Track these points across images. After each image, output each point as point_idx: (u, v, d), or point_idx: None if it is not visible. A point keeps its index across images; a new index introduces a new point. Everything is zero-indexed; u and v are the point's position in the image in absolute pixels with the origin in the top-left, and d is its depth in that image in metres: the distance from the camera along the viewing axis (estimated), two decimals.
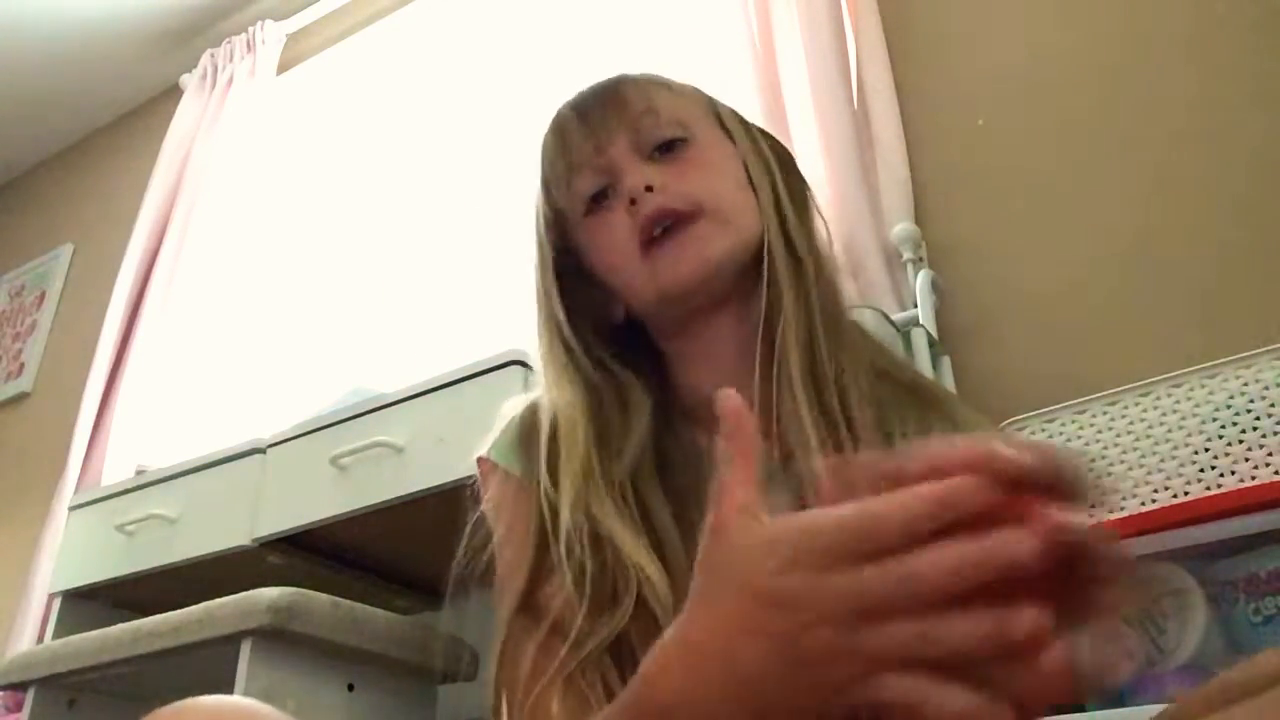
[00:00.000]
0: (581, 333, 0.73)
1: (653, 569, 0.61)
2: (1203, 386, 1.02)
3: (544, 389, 0.73)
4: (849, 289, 0.78)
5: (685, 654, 0.42)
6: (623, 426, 0.69)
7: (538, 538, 0.66)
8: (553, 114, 0.77)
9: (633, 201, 0.69)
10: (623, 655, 0.60)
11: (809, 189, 0.77)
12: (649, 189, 0.68)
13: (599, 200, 0.72)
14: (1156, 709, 0.88)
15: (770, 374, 0.68)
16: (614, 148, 0.71)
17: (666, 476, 0.68)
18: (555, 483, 0.67)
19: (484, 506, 0.72)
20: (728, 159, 0.73)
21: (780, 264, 0.69)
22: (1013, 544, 0.36)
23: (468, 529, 0.71)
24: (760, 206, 0.71)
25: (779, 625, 0.38)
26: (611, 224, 0.71)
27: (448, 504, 0.75)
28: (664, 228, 0.69)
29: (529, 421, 0.72)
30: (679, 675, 0.42)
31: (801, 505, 0.66)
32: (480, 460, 0.74)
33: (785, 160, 0.77)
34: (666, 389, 0.73)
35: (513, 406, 0.75)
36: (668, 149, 0.71)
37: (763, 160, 0.74)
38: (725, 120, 0.76)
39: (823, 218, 0.76)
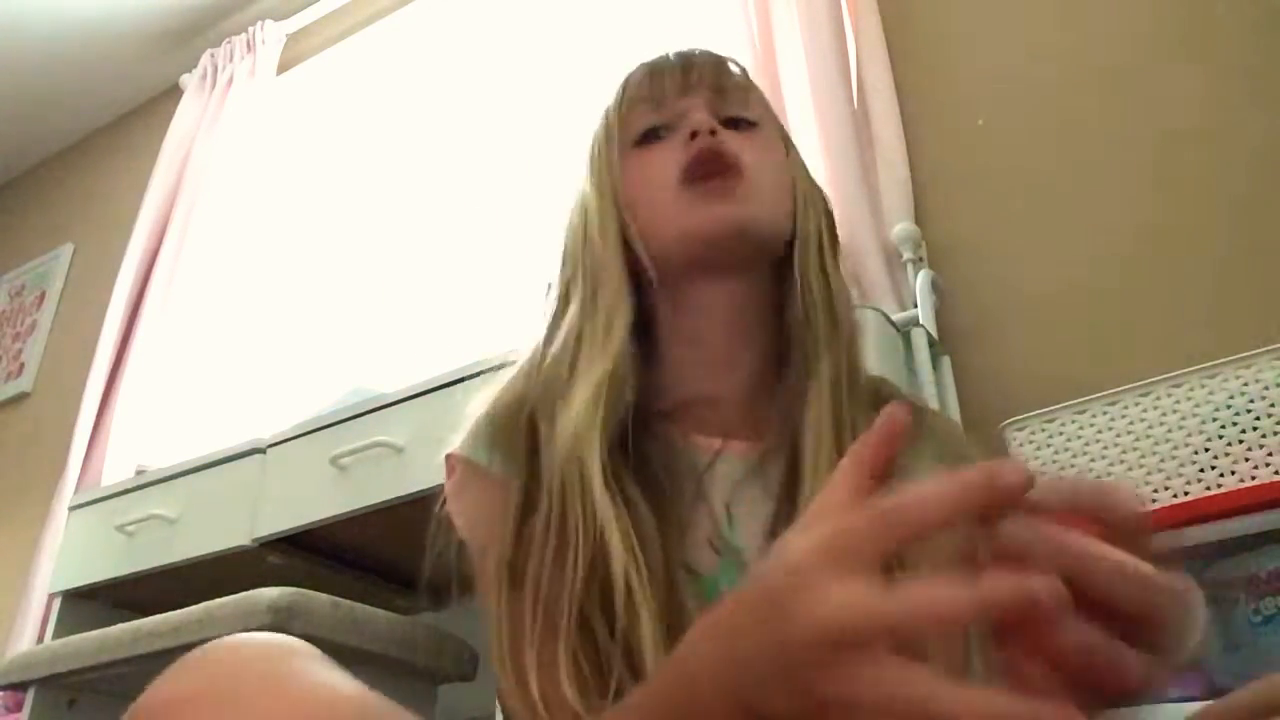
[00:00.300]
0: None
1: (616, 540, 0.61)
2: (1203, 386, 1.02)
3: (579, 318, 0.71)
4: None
5: (708, 625, 0.42)
6: (622, 392, 0.68)
7: (518, 511, 0.65)
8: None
9: (694, 135, 0.70)
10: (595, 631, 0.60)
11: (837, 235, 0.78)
12: (714, 132, 0.70)
13: (655, 136, 0.73)
14: (1156, 709, 0.88)
15: (785, 370, 0.69)
16: (695, 97, 0.73)
17: (641, 470, 0.68)
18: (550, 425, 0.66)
19: (455, 504, 0.71)
20: (783, 164, 0.75)
21: (812, 274, 0.71)
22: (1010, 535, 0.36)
23: (431, 531, 0.71)
24: (798, 212, 0.73)
25: (771, 598, 0.37)
26: (659, 157, 0.72)
27: None
28: (710, 172, 0.70)
29: (510, 406, 0.71)
30: (702, 645, 0.42)
31: (782, 505, 0.67)
32: (449, 457, 0.73)
33: (826, 202, 0.78)
34: (646, 389, 0.72)
35: (478, 405, 0.75)
36: (736, 125, 0.73)
37: (808, 183, 0.76)
38: (788, 142, 0.78)
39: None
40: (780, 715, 0.37)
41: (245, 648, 0.49)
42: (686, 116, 0.72)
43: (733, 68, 0.77)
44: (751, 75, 0.81)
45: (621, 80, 0.78)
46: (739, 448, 0.71)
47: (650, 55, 0.79)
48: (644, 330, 0.72)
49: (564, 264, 0.76)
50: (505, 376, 0.75)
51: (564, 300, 0.74)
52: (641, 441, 0.69)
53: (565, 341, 0.70)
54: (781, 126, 0.80)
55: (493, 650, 0.65)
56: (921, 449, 0.70)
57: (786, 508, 0.66)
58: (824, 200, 0.77)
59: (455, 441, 0.74)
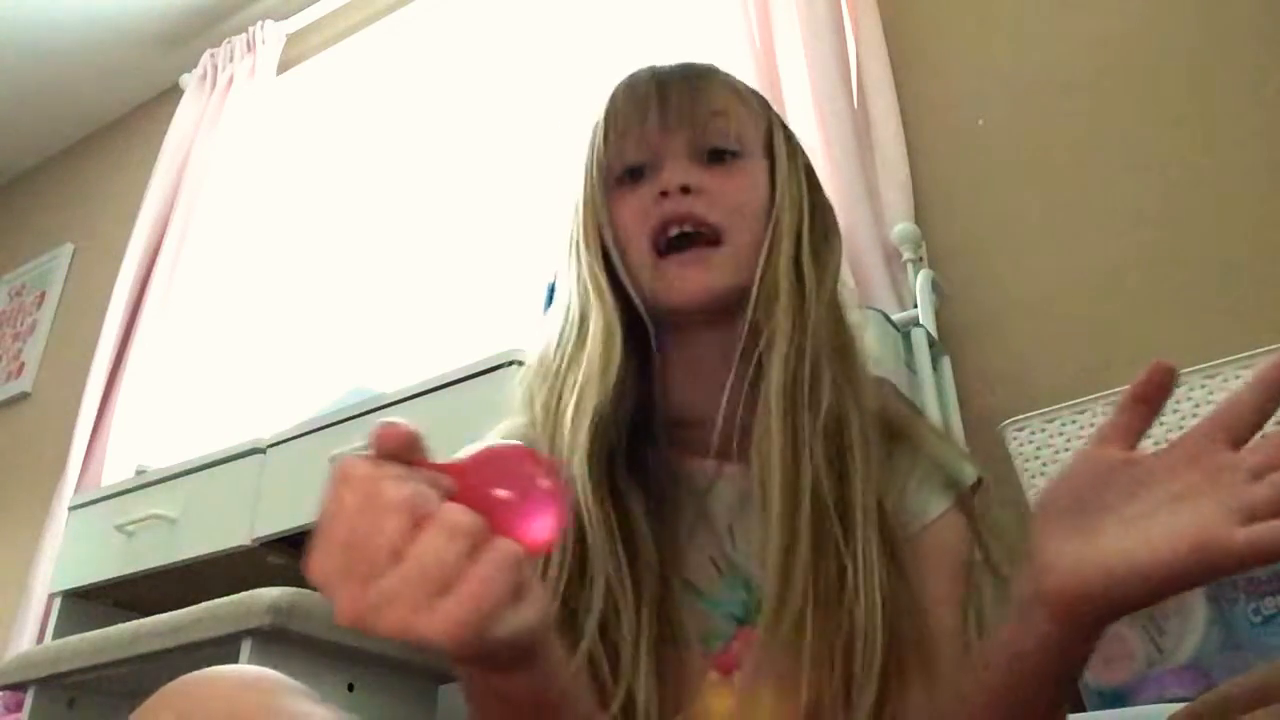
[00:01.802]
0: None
1: (617, 581, 0.62)
2: (1202, 386, 1.02)
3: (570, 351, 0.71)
4: (859, 324, 0.77)
5: None
6: (622, 402, 0.68)
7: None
8: (634, 71, 0.76)
9: (664, 194, 0.69)
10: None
11: (835, 236, 0.76)
12: (685, 189, 0.69)
13: (634, 175, 0.72)
14: (1156, 709, 0.88)
15: (742, 388, 0.68)
16: (674, 138, 0.71)
17: (641, 488, 0.68)
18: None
19: None
20: (763, 186, 0.73)
21: (782, 296, 0.68)
22: None
23: None
24: (771, 242, 0.71)
25: None
26: (635, 206, 0.71)
27: None
28: (681, 233, 0.69)
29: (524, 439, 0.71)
30: None
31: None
32: None
33: (817, 195, 0.76)
34: (648, 399, 0.71)
35: (504, 429, 0.74)
36: (719, 157, 0.72)
37: (797, 201, 0.73)
38: (775, 145, 0.75)
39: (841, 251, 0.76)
40: None
41: (225, 681, 0.49)
42: (662, 166, 0.71)
43: (713, 91, 0.74)
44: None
45: (606, 102, 0.76)
46: (733, 469, 0.71)
47: (632, 70, 0.77)
48: (640, 347, 0.72)
49: (561, 284, 0.75)
50: (520, 399, 0.74)
51: (562, 320, 0.73)
52: (640, 462, 0.69)
53: (560, 369, 0.70)
54: (768, 129, 0.76)
55: None
56: (916, 464, 0.70)
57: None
58: (806, 202, 0.74)
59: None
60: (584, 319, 0.70)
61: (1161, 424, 1.03)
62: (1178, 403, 1.03)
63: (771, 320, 0.68)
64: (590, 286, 0.70)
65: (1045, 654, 0.50)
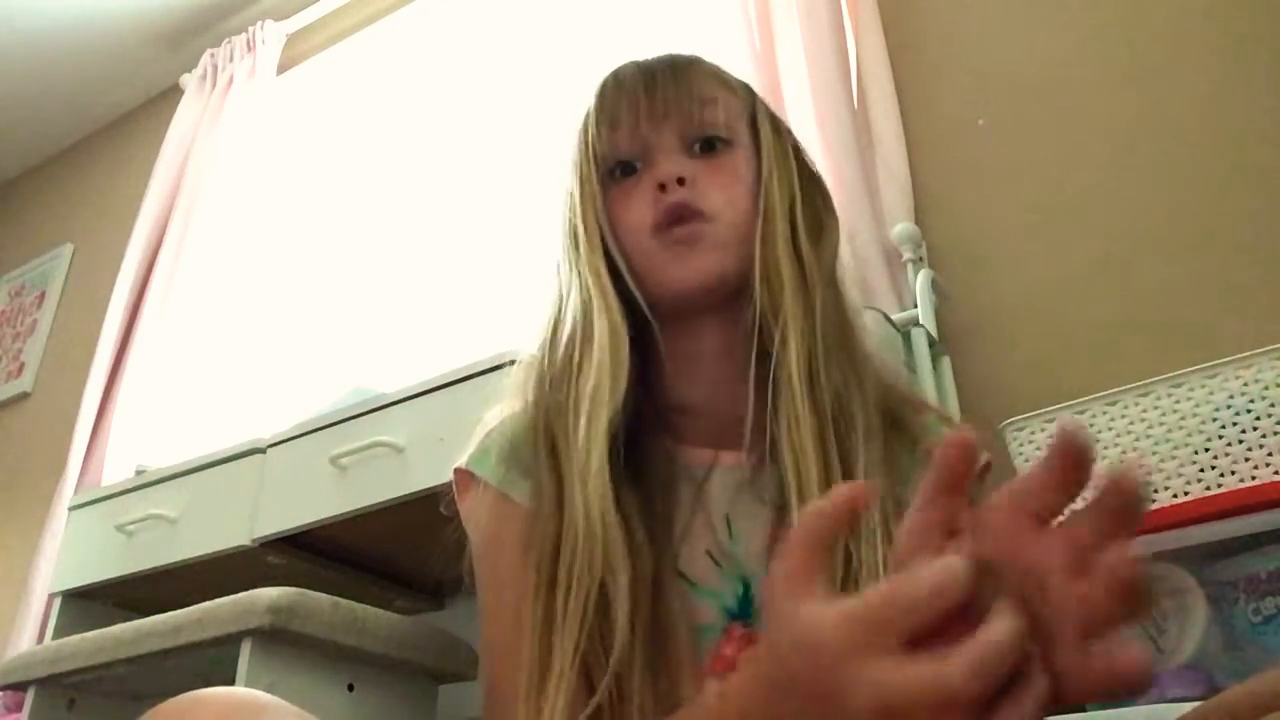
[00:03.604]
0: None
1: (623, 577, 0.62)
2: (1203, 386, 1.02)
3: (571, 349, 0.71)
4: (858, 302, 0.79)
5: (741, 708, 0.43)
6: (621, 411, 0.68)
7: (542, 552, 0.65)
8: (619, 66, 0.78)
9: (662, 187, 0.70)
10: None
11: (830, 213, 0.77)
12: (681, 181, 0.70)
13: (627, 170, 0.74)
14: (1156, 709, 0.88)
15: (762, 382, 0.68)
16: (664, 130, 0.73)
17: (635, 479, 0.68)
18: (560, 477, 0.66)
19: (468, 523, 0.72)
20: (751, 175, 0.74)
21: (786, 280, 0.69)
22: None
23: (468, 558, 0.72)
24: (765, 225, 0.72)
25: (812, 691, 0.38)
26: (635, 199, 0.72)
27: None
28: (678, 219, 0.71)
29: (526, 431, 0.71)
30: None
31: (779, 513, 0.67)
32: (459, 472, 0.73)
33: (807, 172, 0.77)
34: (645, 386, 0.72)
35: (495, 415, 0.74)
36: (709, 147, 0.73)
37: (787, 179, 0.75)
38: (761, 132, 0.76)
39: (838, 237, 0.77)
40: None
41: (217, 702, 0.49)
42: (655, 159, 0.72)
43: (699, 80, 0.75)
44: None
45: (593, 96, 0.77)
46: (730, 458, 0.71)
47: (617, 65, 0.78)
48: (639, 336, 0.72)
49: (559, 277, 0.76)
50: (515, 385, 0.75)
51: (562, 307, 0.74)
52: (637, 449, 0.69)
53: (566, 356, 0.71)
54: (752, 116, 0.77)
55: (495, 675, 0.65)
56: (914, 461, 0.70)
57: (783, 518, 0.66)
58: (798, 189, 0.75)
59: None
60: (588, 316, 0.71)
61: (1162, 424, 1.03)
62: (1177, 403, 1.03)
63: (781, 308, 0.68)
64: (592, 284, 0.71)
65: None
